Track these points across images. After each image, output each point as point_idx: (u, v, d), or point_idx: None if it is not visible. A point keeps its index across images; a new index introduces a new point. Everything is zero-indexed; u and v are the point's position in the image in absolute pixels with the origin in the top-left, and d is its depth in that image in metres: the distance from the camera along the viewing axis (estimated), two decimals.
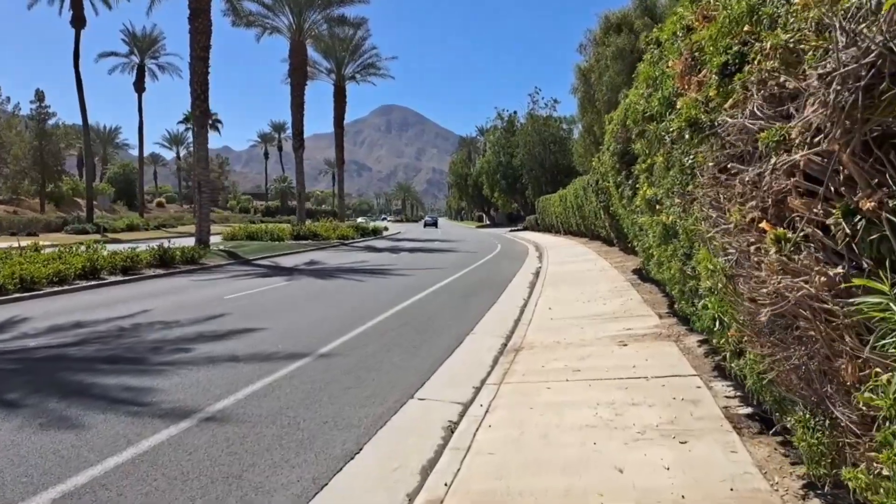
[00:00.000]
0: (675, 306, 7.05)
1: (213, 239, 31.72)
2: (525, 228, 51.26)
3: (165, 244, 17.65)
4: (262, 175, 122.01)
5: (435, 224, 77.65)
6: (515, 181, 55.12)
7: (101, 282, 14.29)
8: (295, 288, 13.65)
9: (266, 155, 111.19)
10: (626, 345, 6.69)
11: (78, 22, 41.56)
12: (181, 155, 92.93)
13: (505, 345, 7.36)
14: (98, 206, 39.09)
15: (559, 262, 18.51)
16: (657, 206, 5.58)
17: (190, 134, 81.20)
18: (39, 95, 47.52)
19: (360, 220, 77.40)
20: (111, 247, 17.69)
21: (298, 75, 33.25)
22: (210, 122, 79.91)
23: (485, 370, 6.23)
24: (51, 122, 48.75)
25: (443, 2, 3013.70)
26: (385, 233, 47.28)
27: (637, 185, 7.47)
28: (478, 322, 9.05)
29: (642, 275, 12.72)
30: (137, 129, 55.95)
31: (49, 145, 47.46)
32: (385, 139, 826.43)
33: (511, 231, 49.70)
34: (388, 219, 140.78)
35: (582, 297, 10.57)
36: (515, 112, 63.14)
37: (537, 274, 15.98)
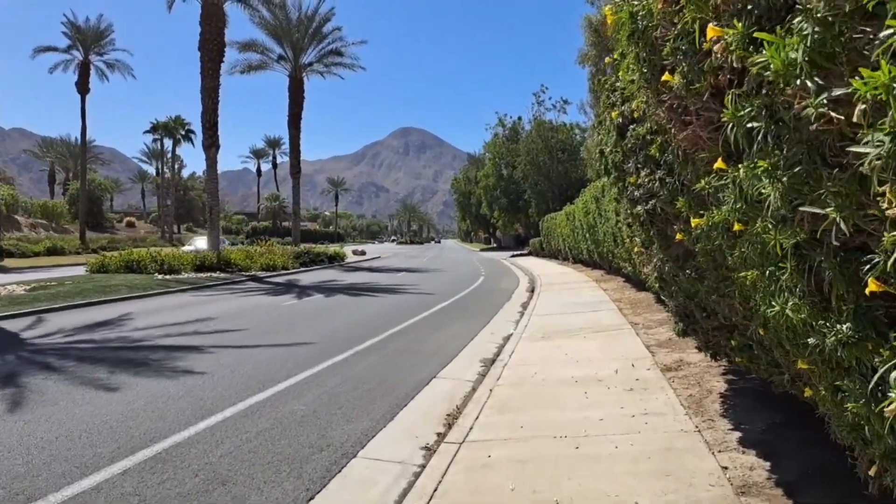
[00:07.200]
0: None
1: (75, 272, 23.38)
2: (529, 253, 42.49)
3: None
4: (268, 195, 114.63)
5: (439, 242, 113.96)
6: (518, 198, 45.97)
7: None
8: None
9: (259, 172, 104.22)
10: None
11: None
12: (159, 171, 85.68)
13: None
14: None
15: (549, 329, 9.38)
16: None
17: (169, 147, 73.87)
18: None
19: (330, 244, 68.99)
20: None
21: (211, 49, 24.51)
22: (182, 133, 71.92)
23: None
24: None
25: (462, 24, 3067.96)
26: (350, 259, 37.95)
27: None
28: None
29: (786, 422, 3.64)
30: (80, 136, 48.12)
31: None
32: (403, 161, 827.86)
33: (512, 256, 40.65)
34: (390, 240, 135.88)
35: None
36: (520, 118, 54.32)
37: (491, 365, 7.05)
